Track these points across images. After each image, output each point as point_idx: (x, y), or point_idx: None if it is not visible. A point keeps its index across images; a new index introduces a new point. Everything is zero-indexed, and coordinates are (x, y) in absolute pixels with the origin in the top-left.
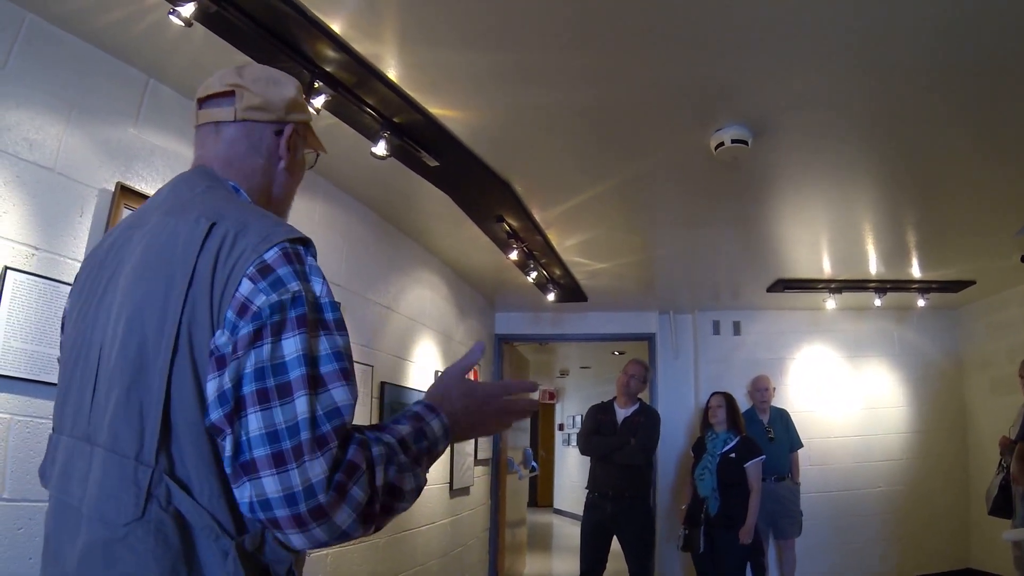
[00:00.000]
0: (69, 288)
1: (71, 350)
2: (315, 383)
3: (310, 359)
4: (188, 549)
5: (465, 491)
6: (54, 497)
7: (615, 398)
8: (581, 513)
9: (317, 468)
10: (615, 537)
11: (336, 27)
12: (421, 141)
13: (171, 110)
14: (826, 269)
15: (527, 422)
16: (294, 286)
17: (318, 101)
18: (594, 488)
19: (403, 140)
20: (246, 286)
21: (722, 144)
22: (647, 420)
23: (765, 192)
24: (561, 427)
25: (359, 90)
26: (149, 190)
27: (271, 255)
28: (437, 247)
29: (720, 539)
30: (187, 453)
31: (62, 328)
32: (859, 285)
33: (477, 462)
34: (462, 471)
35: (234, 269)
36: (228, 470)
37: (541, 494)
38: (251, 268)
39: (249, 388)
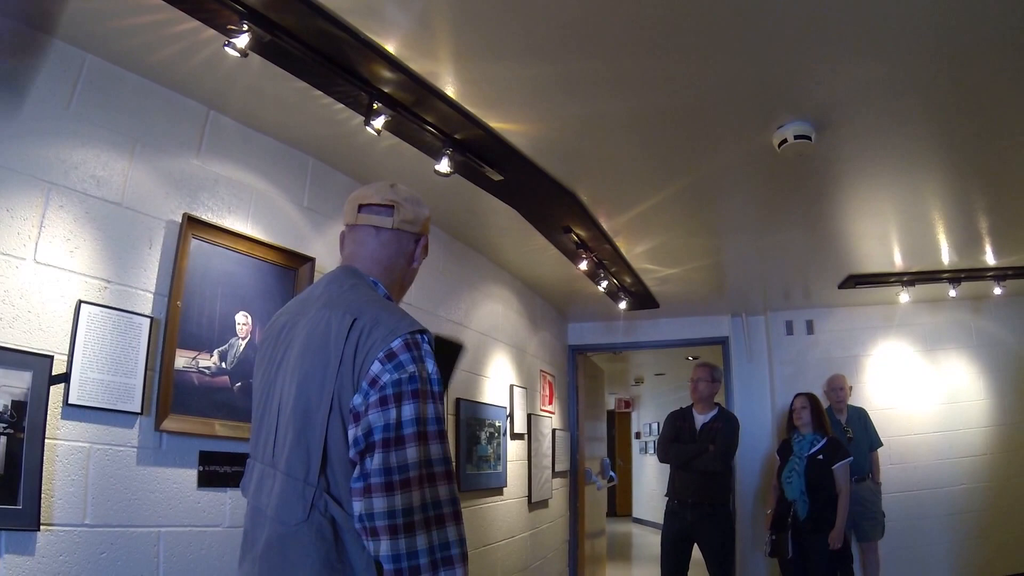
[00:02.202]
0: (141, 319)
1: (259, 399)
2: (423, 438)
3: (421, 420)
4: (338, 543)
5: (544, 504)
6: (251, 504)
7: (692, 404)
8: (660, 521)
9: (415, 499)
10: (696, 545)
11: (391, 47)
12: (484, 156)
13: (232, 140)
14: (897, 262)
15: (604, 431)
16: (411, 367)
17: (378, 122)
18: (674, 496)
19: (466, 156)
20: (376, 366)
21: (785, 141)
22: (726, 426)
23: (831, 187)
24: (638, 435)
25: (418, 108)
26: (216, 219)
27: (396, 344)
28: (506, 261)
29: (809, 544)
30: (339, 477)
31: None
32: (932, 276)
33: (555, 474)
34: (540, 484)
35: (368, 353)
36: (355, 486)
37: (620, 504)
38: (381, 354)
39: (377, 437)
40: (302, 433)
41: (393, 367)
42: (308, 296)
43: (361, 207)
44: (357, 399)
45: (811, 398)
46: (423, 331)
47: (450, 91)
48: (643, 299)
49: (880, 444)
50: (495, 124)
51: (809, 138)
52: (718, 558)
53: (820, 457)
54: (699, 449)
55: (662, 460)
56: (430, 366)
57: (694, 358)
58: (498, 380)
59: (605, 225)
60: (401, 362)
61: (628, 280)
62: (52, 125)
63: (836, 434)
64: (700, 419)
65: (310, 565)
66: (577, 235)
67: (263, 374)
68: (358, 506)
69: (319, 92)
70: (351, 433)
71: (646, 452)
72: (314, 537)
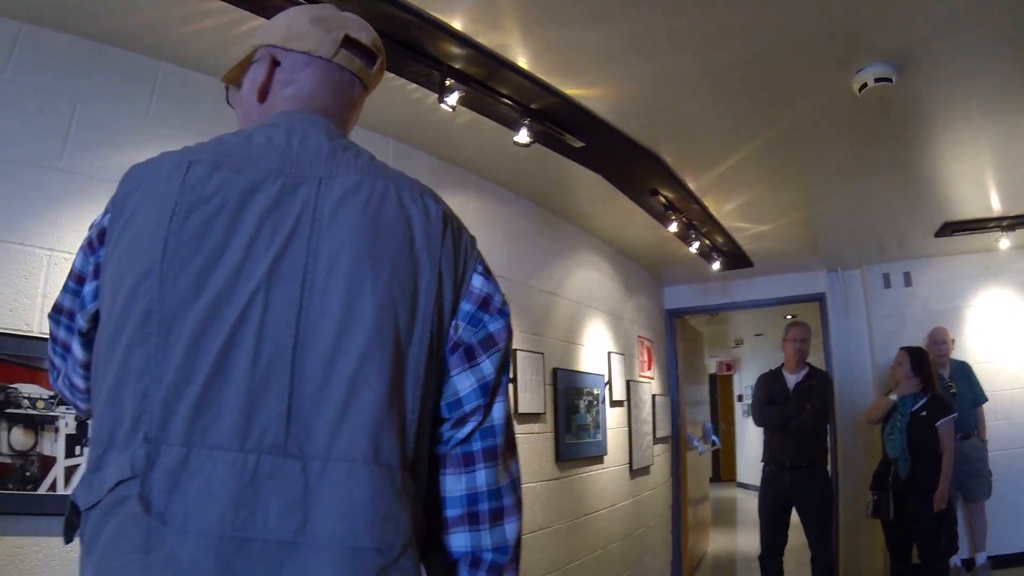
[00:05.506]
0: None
1: (198, 321)
2: None
3: None
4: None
5: (645, 470)
6: (212, 536)
7: (783, 365)
8: None
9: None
10: (794, 509)
11: (457, 24)
12: (562, 123)
13: None
14: (995, 206)
15: (705, 394)
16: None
17: (451, 98)
18: (771, 460)
19: (544, 125)
20: (479, 281)
21: (866, 85)
22: (820, 384)
23: (919, 130)
24: (740, 398)
25: (491, 82)
26: None
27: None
28: (596, 227)
29: (911, 504)
30: (423, 449)
31: (92, 276)
32: None
33: (656, 440)
34: (641, 450)
35: (467, 262)
36: (459, 452)
37: (724, 468)
38: (479, 265)
39: (504, 379)
40: (393, 390)
41: (495, 285)
42: (283, 145)
43: (348, 41)
44: (463, 330)
45: (912, 352)
46: None
47: (522, 61)
48: (736, 258)
49: (985, 399)
50: (570, 91)
51: (890, 80)
52: (817, 521)
53: (923, 414)
54: (796, 408)
55: (758, 423)
56: None
57: (792, 316)
58: (595, 348)
59: (692, 185)
60: (492, 273)
61: (720, 239)
62: (134, 134)
63: (940, 390)
64: (792, 379)
65: None
66: (664, 197)
67: (201, 269)
68: (462, 481)
69: (391, 74)
70: (468, 378)
71: (749, 415)
72: (416, 562)
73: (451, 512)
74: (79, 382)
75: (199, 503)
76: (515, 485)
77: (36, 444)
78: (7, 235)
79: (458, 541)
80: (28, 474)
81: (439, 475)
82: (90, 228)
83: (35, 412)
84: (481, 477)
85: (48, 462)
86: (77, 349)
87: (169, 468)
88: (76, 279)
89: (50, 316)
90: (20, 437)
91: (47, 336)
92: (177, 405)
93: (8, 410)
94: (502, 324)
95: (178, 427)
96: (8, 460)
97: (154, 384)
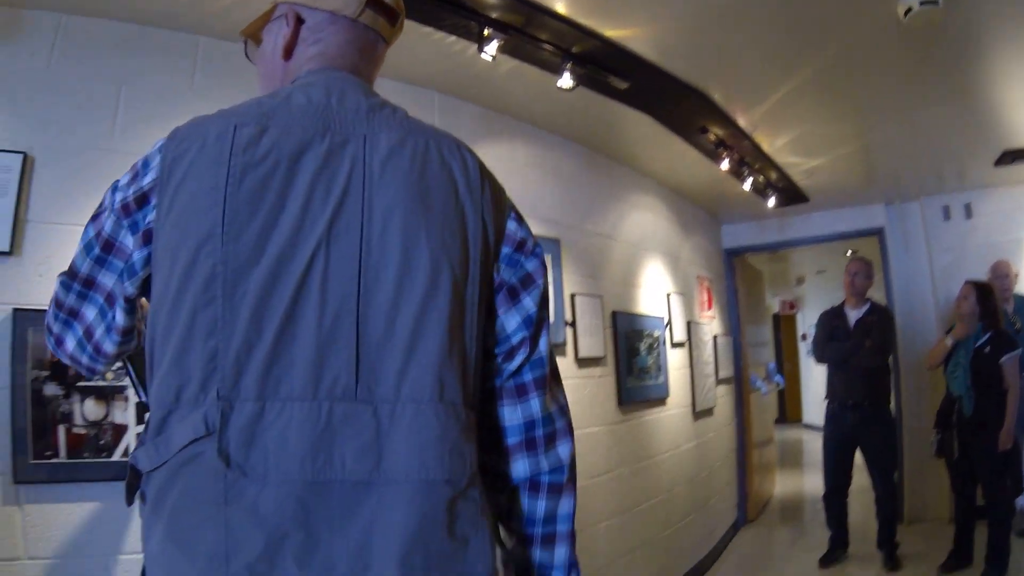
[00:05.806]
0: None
1: (258, 286)
2: None
3: None
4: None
5: (708, 412)
6: (293, 482)
7: (844, 302)
8: None
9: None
10: (859, 448)
11: None
12: (605, 65)
13: None
14: None
15: (768, 334)
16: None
17: (491, 48)
18: (833, 398)
19: (587, 68)
20: (514, 226)
21: (911, 9)
22: (881, 320)
23: (971, 54)
24: (803, 337)
25: (530, 28)
26: None
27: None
28: (649, 168)
29: (976, 443)
30: (478, 386)
31: (142, 242)
32: None
33: (719, 382)
34: (704, 392)
35: (504, 210)
36: (512, 384)
37: (790, 409)
38: (512, 212)
39: (545, 313)
40: (455, 331)
41: (527, 229)
42: (324, 104)
43: (372, 0)
44: (505, 271)
45: (977, 286)
46: None
47: (559, 6)
48: (791, 194)
49: None
50: (610, 32)
51: (936, 3)
52: (881, 460)
53: (987, 350)
54: (856, 344)
55: (819, 360)
56: None
57: (854, 251)
58: (654, 289)
59: (741, 121)
60: (523, 218)
61: (774, 175)
62: (180, 109)
63: (1004, 325)
64: (853, 315)
65: (487, 540)
66: (715, 134)
67: (261, 229)
68: (518, 411)
69: (429, 28)
70: (515, 316)
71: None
72: (480, 491)
73: (512, 440)
74: (110, 348)
75: (277, 453)
76: (564, 410)
77: (108, 414)
78: (63, 217)
79: (518, 467)
80: (102, 443)
81: (495, 407)
82: (117, 190)
83: (105, 384)
84: (535, 405)
85: (120, 430)
86: (119, 315)
87: (245, 422)
88: (104, 244)
89: (60, 280)
90: (93, 408)
91: None
92: (248, 362)
93: (80, 383)
94: (537, 263)
95: (251, 383)
96: (83, 430)
97: (223, 344)
